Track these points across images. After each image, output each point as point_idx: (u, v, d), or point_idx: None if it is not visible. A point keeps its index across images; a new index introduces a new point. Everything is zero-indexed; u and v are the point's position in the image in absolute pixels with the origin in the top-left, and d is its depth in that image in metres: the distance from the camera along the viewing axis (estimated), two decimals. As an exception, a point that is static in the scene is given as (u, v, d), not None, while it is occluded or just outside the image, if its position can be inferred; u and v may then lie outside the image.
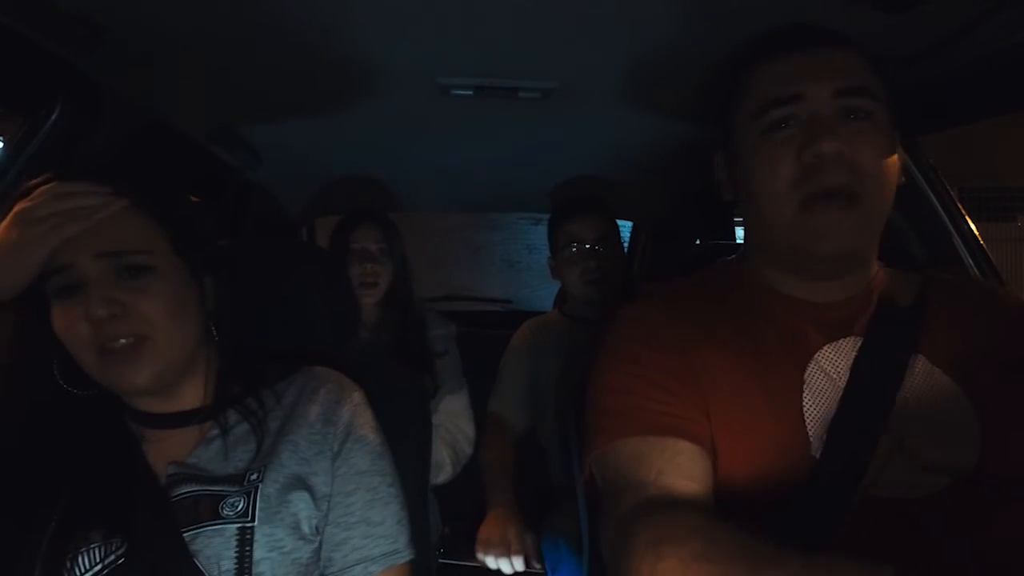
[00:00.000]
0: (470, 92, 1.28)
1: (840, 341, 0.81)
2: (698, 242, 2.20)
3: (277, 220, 2.15)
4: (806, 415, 0.77)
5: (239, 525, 0.74)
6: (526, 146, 1.73)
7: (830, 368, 0.79)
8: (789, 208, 0.79)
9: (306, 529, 0.78)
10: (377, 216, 1.77)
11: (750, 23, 0.93)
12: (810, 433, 0.76)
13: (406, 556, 0.82)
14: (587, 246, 1.70)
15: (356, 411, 0.85)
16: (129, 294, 0.74)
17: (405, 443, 0.98)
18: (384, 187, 2.09)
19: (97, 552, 0.72)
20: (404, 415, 1.01)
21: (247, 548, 0.74)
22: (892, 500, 0.72)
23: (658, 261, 2.41)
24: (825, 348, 0.80)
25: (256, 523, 0.75)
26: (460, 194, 2.33)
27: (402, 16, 0.99)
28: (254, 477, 0.78)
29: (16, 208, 0.74)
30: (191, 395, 0.82)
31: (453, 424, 1.70)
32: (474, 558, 1.43)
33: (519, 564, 1.37)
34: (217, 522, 0.74)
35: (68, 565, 0.71)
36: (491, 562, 1.37)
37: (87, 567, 0.71)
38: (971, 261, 1.34)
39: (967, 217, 1.38)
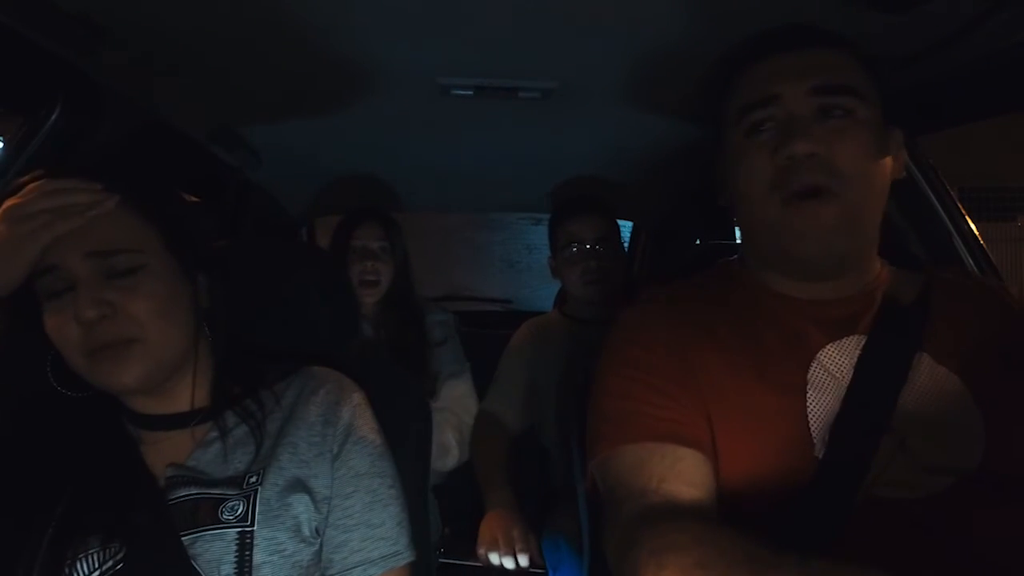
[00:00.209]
0: (470, 92, 1.28)
1: (843, 340, 0.80)
2: (698, 242, 2.20)
3: (277, 220, 2.15)
4: (809, 415, 0.76)
5: (239, 529, 0.74)
6: (526, 146, 1.73)
7: (833, 367, 0.79)
8: (771, 210, 0.79)
9: (306, 531, 0.77)
10: (379, 214, 1.77)
11: (750, 23, 0.93)
12: (813, 433, 0.76)
13: (406, 558, 0.82)
14: (587, 246, 1.70)
15: (356, 412, 0.84)
16: (119, 294, 0.73)
17: (405, 443, 0.97)
18: (384, 187, 2.09)
19: (96, 557, 0.71)
20: (404, 415, 1.01)
21: (247, 552, 0.73)
22: (895, 500, 0.72)
23: (658, 261, 2.42)
24: (828, 347, 0.80)
25: (256, 527, 0.74)
26: (460, 194, 2.33)
27: (402, 16, 0.99)
28: (253, 480, 0.77)
29: (5, 205, 0.73)
30: (187, 396, 0.81)
31: (459, 406, 1.69)
32: (475, 558, 1.42)
33: (523, 561, 1.36)
34: (217, 526, 0.74)
35: (67, 571, 0.70)
36: (494, 559, 1.37)
37: (86, 573, 0.71)
38: (971, 261, 1.34)
39: (967, 217, 1.38)
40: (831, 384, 0.78)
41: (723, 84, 0.88)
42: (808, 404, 0.77)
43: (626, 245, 2.30)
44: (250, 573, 0.73)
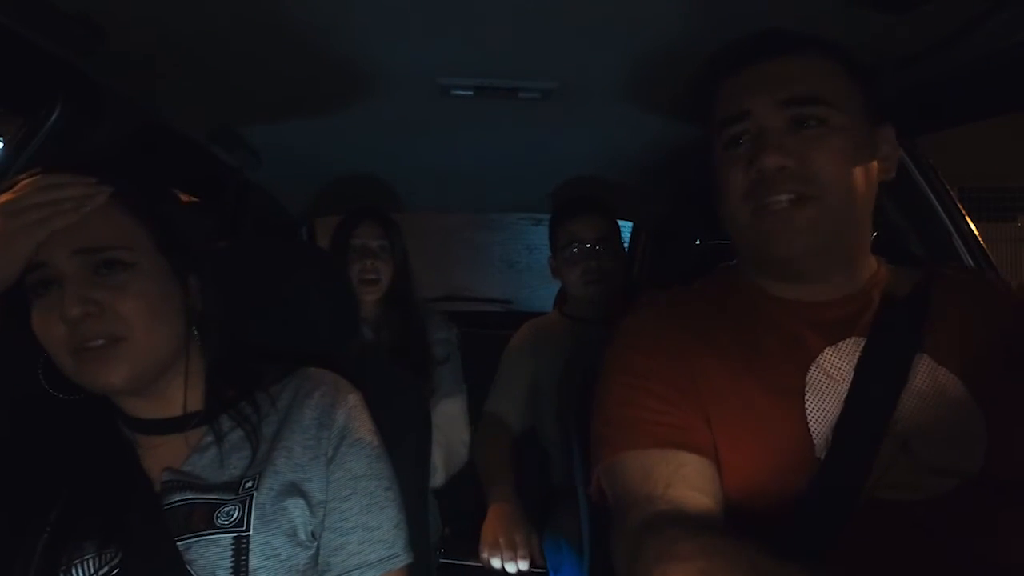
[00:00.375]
0: (470, 92, 1.28)
1: (841, 343, 0.80)
2: (698, 242, 2.20)
3: (277, 220, 2.15)
4: (809, 418, 0.76)
5: (234, 534, 0.73)
6: (526, 146, 1.73)
7: (832, 370, 0.79)
8: (744, 217, 0.82)
9: (302, 535, 0.77)
10: (378, 214, 1.78)
11: (750, 23, 0.93)
12: (814, 436, 0.76)
13: (404, 560, 0.82)
14: (588, 246, 1.70)
15: (351, 414, 0.83)
16: (106, 292, 0.71)
17: (404, 444, 0.97)
18: (384, 187, 2.09)
19: (92, 563, 0.71)
20: (403, 416, 1.01)
21: (243, 557, 0.73)
22: (896, 502, 0.72)
23: (658, 261, 2.41)
24: (827, 350, 0.80)
25: (251, 532, 0.74)
26: (460, 194, 2.33)
27: (402, 16, 0.99)
28: (249, 485, 0.76)
29: None
30: (180, 399, 0.80)
31: (449, 427, 1.69)
32: (475, 558, 1.42)
33: (524, 566, 1.36)
34: (212, 531, 0.73)
35: None
36: (496, 563, 1.37)
37: None
38: (971, 261, 1.34)
39: (967, 217, 1.39)
40: (830, 387, 0.78)
41: (708, 94, 0.90)
42: (807, 407, 0.77)
43: (626, 245, 2.30)
44: None
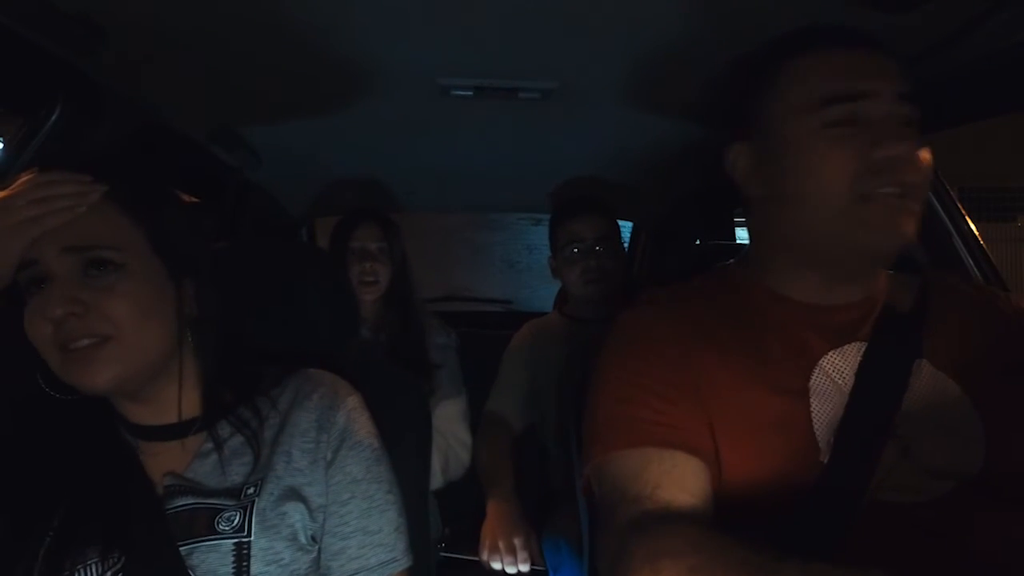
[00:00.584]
0: (470, 93, 1.28)
1: (845, 347, 0.80)
2: (698, 242, 2.20)
3: (277, 220, 2.15)
4: (814, 421, 0.76)
5: (235, 540, 0.73)
6: (526, 146, 1.73)
7: (835, 374, 0.79)
8: (845, 204, 0.76)
9: (303, 539, 0.77)
10: (377, 215, 1.78)
11: (750, 24, 0.94)
12: (818, 438, 0.75)
13: (404, 564, 0.81)
14: (588, 246, 1.70)
15: (351, 416, 0.82)
16: (93, 293, 0.70)
17: (404, 444, 0.97)
18: (384, 187, 2.09)
19: (95, 568, 0.70)
20: (403, 416, 1.01)
21: (244, 563, 0.72)
22: (898, 504, 0.72)
23: (658, 261, 2.42)
24: (830, 354, 0.80)
25: (252, 538, 0.73)
26: (460, 194, 2.33)
27: (402, 16, 0.99)
28: (251, 491, 0.76)
29: None
30: (177, 403, 0.78)
31: (448, 429, 1.69)
32: (475, 556, 1.43)
33: (525, 568, 1.37)
34: (213, 537, 0.73)
35: None
36: (496, 565, 1.37)
37: None
38: (971, 261, 1.35)
39: (967, 217, 1.39)
40: (833, 390, 0.78)
41: (768, 69, 0.83)
42: (812, 411, 0.77)
43: (626, 245, 2.30)
44: None
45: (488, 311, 3.23)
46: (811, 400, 0.77)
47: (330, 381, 0.86)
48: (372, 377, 0.94)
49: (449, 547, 1.70)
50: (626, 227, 2.28)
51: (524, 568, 1.36)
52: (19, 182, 0.72)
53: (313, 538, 0.78)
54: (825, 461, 0.74)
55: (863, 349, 0.80)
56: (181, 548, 0.72)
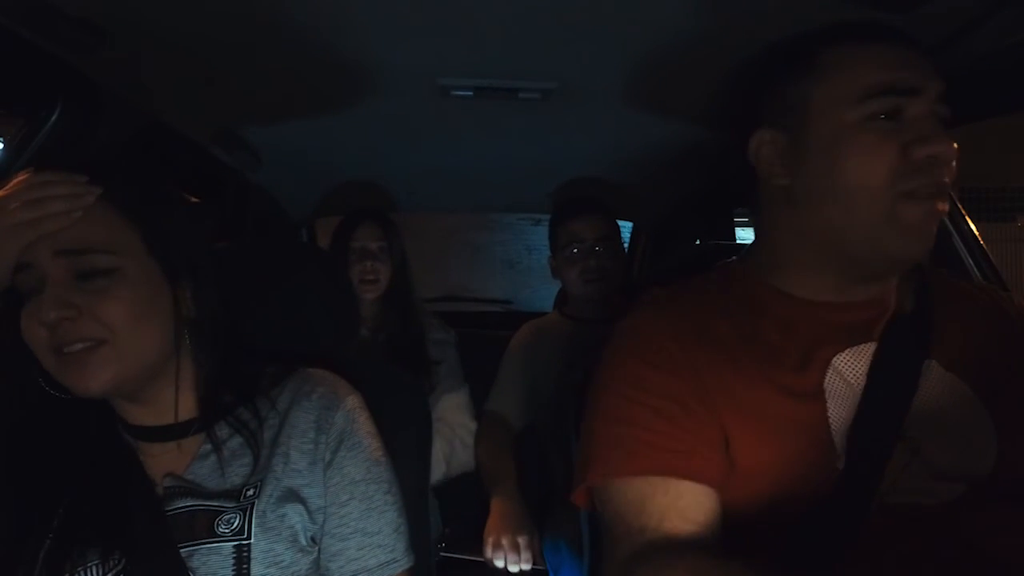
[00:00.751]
0: (470, 93, 1.28)
1: (860, 347, 0.79)
2: (698, 242, 2.20)
3: (277, 220, 2.15)
4: (832, 425, 0.75)
5: (235, 543, 0.73)
6: (526, 147, 1.73)
7: (849, 373, 0.77)
8: (883, 203, 0.74)
9: (303, 541, 0.77)
10: (378, 215, 1.80)
11: (751, 24, 0.93)
12: (836, 444, 0.74)
13: (404, 564, 0.81)
14: (588, 246, 1.70)
15: (350, 417, 0.82)
16: (87, 296, 0.69)
17: (405, 444, 0.97)
18: (384, 188, 2.09)
19: (95, 570, 0.70)
20: (403, 414, 1.01)
21: (244, 565, 0.72)
22: (908, 507, 0.72)
23: (658, 262, 2.41)
24: (845, 353, 0.78)
25: (252, 540, 0.73)
26: (460, 195, 2.33)
27: (402, 17, 0.99)
28: (251, 493, 0.76)
29: None
30: (177, 405, 0.78)
31: (451, 417, 1.70)
32: (475, 554, 1.43)
33: (527, 566, 1.37)
34: (213, 540, 0.73)
35: None
36: (499, 563, 1.37)
37: None
38: (971, 261, 1.35)
39: (967, 217, 1.38)
40: (847, 391, 0.76)
41: (807, 56, 0.80)
42: (830, 414, 0.75)
43: (626, 246, 2.30)
44: None
45: (488, 311, 3.23)
46: (827, 403, 0.75)
47: (330, 381, 0.85)
48: (371, 376, 0.94)
49: (449, 547, 1.70)
50: (626, 227, 2.28)
51: (526, 567, 1.36)
52: (13, 183, 0.71)
53: (313, 539, 0.78)
54: (841, 466, 0.73)
55: (873, 349, 0.79)
56: (182, 550, 0.71)
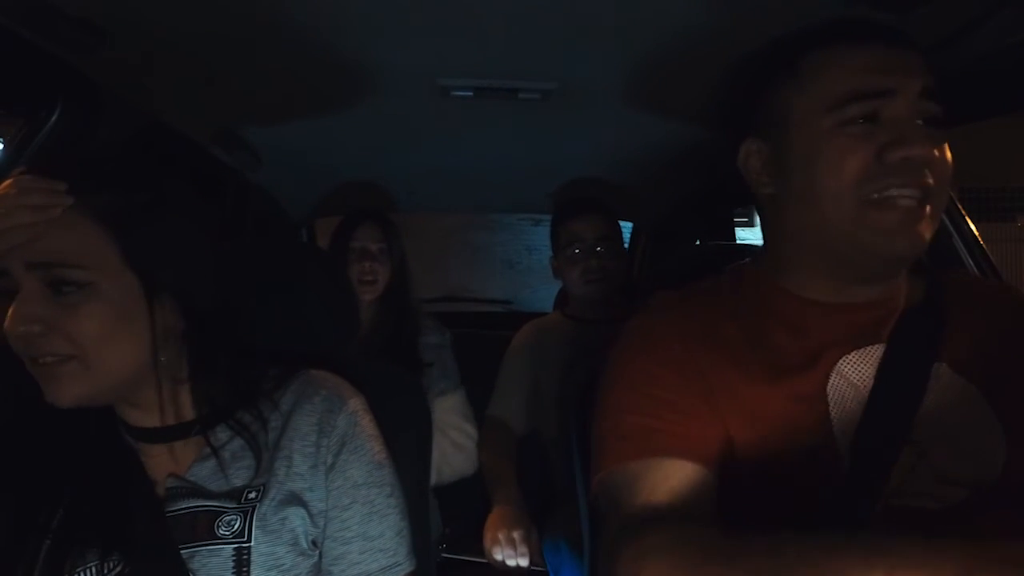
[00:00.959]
0: (470, 93, 1.28)
1: (866, 348, 0.78)
2: (698, 243, 2.20)
3: (277, 221, 2.15)
4: (834, 427, 0.74)
5: (235, 545, 0.72)
6: (526, 147, 1.73)
7: (854, 376, 0.77)
8: (855, 206, 0.74)
9: (304, 544, 0.76)
10: (377, 216, 1.80)
11: (751, 24, 0.93)
12: (839, 447, 0.74)
13: (406, 568, 0.81)
14: (589, 246, 1.70)
15: (352, 419, 0.81)
16: (57, 310, 0.67)
17: (406, 445, 0.97)
18: (384, 188, 2.09)
19: (94, 570, 0.70)
20: (404, 414, 1.01)
21: (244, 568, 0.72)
22: (913, 510, 0.71)
23: (658, 262, 2.41)
24: (851, 355, 0.77)
25: (252, 543, 0.73)
26: (460, 195, 2.33)
27: (402, 17, 0.99)
28: (252, 496, 0.75)
29: None
30: (171, 409, 0.76)
31: (444, 420, 1.69)
32: (475, 554, 1.43)
33: (524, 562, 1.37)
34: (213, 542, 0.72)
35: None
36: (497, 555, 1.38)
37: None
38: (971, 261, 1.35)
39: (967, 217, 1.38)
40: (852, 394, 0.76)
41: (784, 64, 0.80)
42: (832, 417, 0.75)
43: (626, 246, 2.30)
44: None
45: (488, 311, 3.23)
46: (830, 406, 0.75)
47: (333, 383, 0.84)
48: (371, 377, 0.94)
49: (449, 548, 1.70)
50: (626, 227, 2.28)
51: (524, 562, 1.37)
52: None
53: (314, 543, 0.78)
54: (845, 466, 0.73)
55: (881, 351, 0.78)
56: (183, 551, 0.71)
